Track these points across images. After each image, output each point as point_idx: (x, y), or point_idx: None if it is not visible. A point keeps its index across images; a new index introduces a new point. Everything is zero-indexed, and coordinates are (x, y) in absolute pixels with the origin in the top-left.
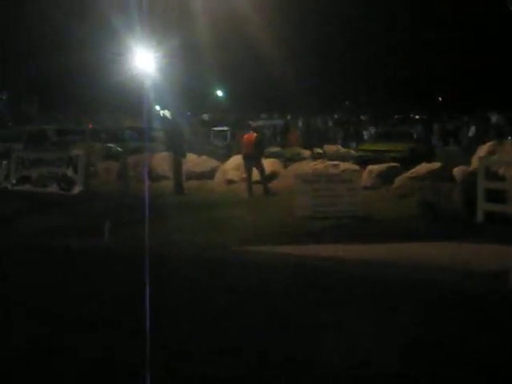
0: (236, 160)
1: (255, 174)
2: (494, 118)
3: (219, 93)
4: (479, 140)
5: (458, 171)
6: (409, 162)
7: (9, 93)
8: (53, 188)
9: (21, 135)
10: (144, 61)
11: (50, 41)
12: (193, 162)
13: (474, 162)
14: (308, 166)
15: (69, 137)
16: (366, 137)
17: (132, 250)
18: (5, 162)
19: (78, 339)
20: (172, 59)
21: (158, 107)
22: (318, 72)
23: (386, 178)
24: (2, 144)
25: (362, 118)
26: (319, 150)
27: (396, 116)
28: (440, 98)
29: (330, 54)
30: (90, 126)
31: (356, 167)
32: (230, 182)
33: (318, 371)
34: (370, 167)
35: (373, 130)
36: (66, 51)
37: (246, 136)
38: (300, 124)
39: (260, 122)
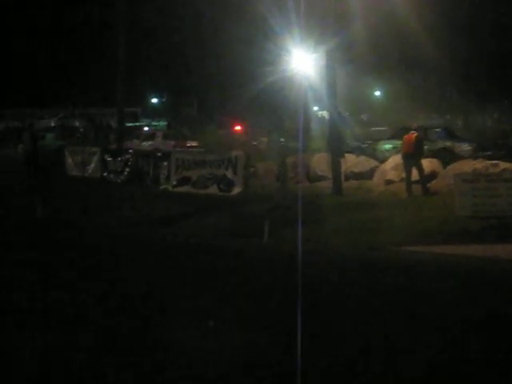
0: (395, 160)
1: (414, 174)
2: None
3: (377, 93)
4: None
5: None
6: None
7: (169, 95)
8: (213, 189)
9: None
10: (302, 62)
11: (208, 43)
12: (352, 162)
13: None
14: (467, 166)
15: None
16: None
17: (291, 251)
18: (165, 163)
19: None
20: (329, 60)
21: (316, 108)
22: (475, 70)
23: None
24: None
25: None
26: None
27: None
28: None
29: (486, 52)
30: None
31: None
32: (388, 182)
33: None
34: None
35: None
36: (224, 53)
37: (406, 136)
38: (460, 124)
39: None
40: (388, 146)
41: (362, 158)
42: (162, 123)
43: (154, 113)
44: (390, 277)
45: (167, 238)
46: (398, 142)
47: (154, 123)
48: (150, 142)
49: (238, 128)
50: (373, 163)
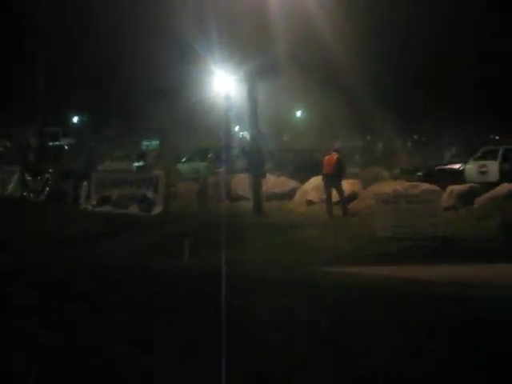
0: (316, 181)
1: (335, 195)
2: None
3: (298, 113)
4: None
5: None
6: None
7: (91, 116)
8: (133, 209)
9: None
10: (224, 83)
11: (128, 64)
12: (272, 182)
13: None
14: (388, 187)
15: None
16: (446, 157)
17: (212, 271)
18: (85, 183)
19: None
20: (251, 81)
21: (237, 128)
22: (397, 92)
23: (467, 198)
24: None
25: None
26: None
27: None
28: None
29: (409, 75)
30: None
31: (436, 188)
32: (309, 202)
33: None
34: (450, 187)
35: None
36: (145, 74)
37: (327, 157)
38: (380, 145)
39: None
40: (185, 168)
41: (283, 178)
42: (154, 142)
43: (74, 132)
44: (306, 296)
45: (76, 259)
46: (199, 164)
47: (145, 142)
48: (141, 163)
49: None
50: (293, 184)
